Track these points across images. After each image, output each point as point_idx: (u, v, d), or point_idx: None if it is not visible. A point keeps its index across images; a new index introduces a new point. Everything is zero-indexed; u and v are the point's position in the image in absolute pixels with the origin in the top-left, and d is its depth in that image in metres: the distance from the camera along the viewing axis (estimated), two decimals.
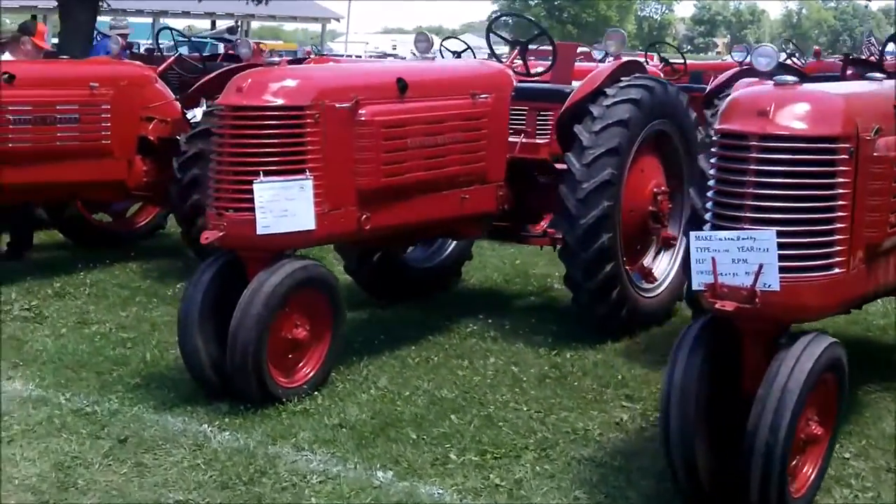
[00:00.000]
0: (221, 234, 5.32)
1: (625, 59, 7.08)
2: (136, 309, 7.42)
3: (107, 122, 8.19)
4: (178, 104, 8.78)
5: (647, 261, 7.14)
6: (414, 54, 7.56)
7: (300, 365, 5.59)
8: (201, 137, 8.11)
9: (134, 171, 8.51)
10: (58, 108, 7.91)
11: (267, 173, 5.30)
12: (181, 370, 5.95)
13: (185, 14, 39.79)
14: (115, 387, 5.78)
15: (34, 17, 13.66)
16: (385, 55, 40.71)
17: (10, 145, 7.68)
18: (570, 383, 5.98)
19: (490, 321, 7.12)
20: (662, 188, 7.01)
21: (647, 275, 7.07)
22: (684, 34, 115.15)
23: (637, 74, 6.91)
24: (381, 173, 5.80)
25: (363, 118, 5.69)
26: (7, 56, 8.77)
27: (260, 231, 5.29)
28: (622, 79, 6.82)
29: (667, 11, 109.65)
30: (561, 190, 6.52)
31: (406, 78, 5.97)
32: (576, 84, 7.45)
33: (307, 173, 5.39)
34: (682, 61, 13.72)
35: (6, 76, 7.67)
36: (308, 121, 5.41)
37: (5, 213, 8.62)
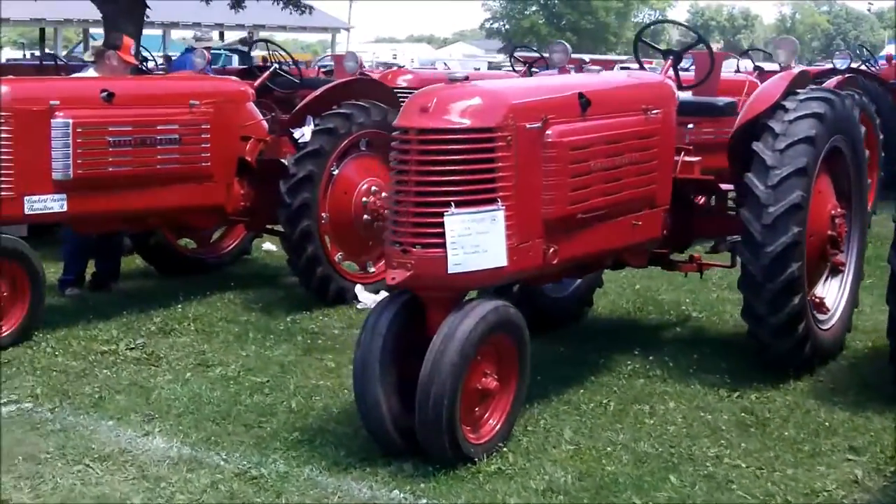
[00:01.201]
0: (409, 273, 4.68)
1: (796, 69, 6.48)
2: (255, 347, 6.78)
3: (206, 143, 7.57)
4: (265, 123, 8.17)
5: (818, 290, 6.53)
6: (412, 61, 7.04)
7: (486, 418, 4.97)
8: (311, 159, 7.51)
9: (232, 195, 7.89)
10: (158, 128, 7.29)
11: (457, 204, 4.68)
12: (342, 422, 5.37)
13: (196, 25, 38.94)
14: (272, 443, 5.14)
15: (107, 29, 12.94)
16: (391, 65, 40.15)
17: (111, 170, 7.05)
18: (774, 431, 5.36)
19: (650, 357, 6.50)
20: (838, 210, 6.41)
21: (820, 305, 6.46)
22: (678, 39, 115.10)
23: (812, 86, 6.32)
24: (568, 200, 5.18)
25: (550, 139, 5.07)
26: (91, 72, 8.15)
27: (451, 269, 4.67)
28: (797, 91, 6.22)
29: (661, 17, 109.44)
30: (743, 214, 5.91)
31: (587, 94, 5.36)
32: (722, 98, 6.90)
33: (499, 203, 4.77)
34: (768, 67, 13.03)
35: (105, 94, 7.04)
36: (500, 143, 4.79)
37: (93, 241, 8.01)
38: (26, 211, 6.70)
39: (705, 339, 7.09)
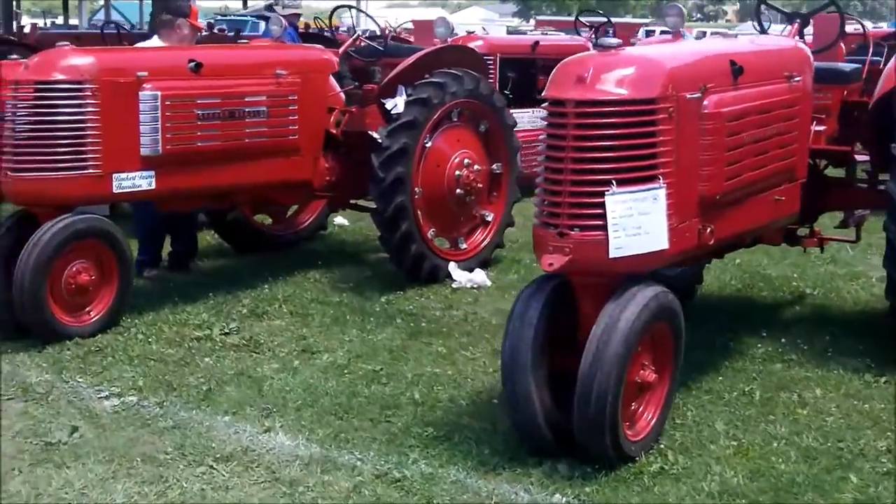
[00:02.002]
0: (567, 258, 4.29)
1: None
2: (356, 331, 6.42)
3: (294, 116, 7.17)
4: (342, 94, 7.77)
5: None
6: None
7: (641, 412, 4.60)
8: (405, 131, 7.11)
9: (318, 170, 7.50)
10: (246, 100, 6.89)
11: (618, 182, 4.28)
12: (476, 416, 5.03)
13: None
14: (405, 440, 4.78)
15: None
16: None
17: (199, 144, 6.67)
18: None
19: (781, 339, 6.11)
20: None
21: None
22: (694, 3, 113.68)
23: None
24: (724, 176, 4.78)
25: (707, 110, 4.66)
26: (156, 40, 7.75)
27: (613, 253, 4.28)
28: None
29: None
30: (889, 187, 5.50)
31: (738, 60, 4.94)
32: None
33: (660, 180, 4.37)
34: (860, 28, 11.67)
35: (193, 64, 6.64)
36: (661, 116, 4.38)
37: (167, 219, 7.64)
38: (115, 189, 6.33)
39: (830, 318, 6.70)
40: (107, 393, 5.41)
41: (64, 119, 6.12)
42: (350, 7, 8.01)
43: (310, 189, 7.54)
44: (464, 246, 7.70)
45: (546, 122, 4.43)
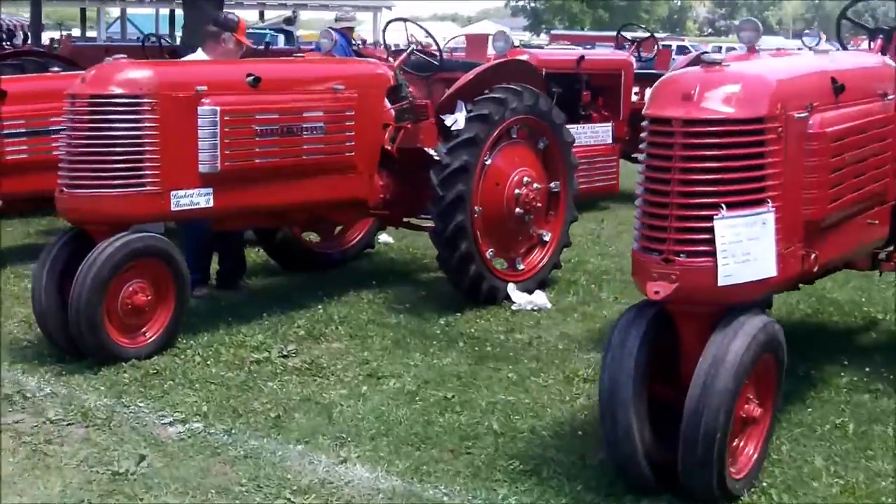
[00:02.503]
0: (673, 286, 4.08)
1: None
2: (419, 355, 6.21)
3: (351, 132, 6.97)
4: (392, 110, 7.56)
5: None
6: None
7: (742, 447, 4.37)
8: (466, 148, 6.91)
9: (373, 187, 7.29)
10: (304, 115, 6.70)
11: (727, 206, 4.06)
12: (561, 449, 4.82)
13: (238, 5, 38.28)
14: (491, 474, 4.56)
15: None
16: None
17: (257, 161, 6.47)
18: None
19: (864, 368, 5.87)
20: None
21: None
22: (705, 17, 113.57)
23: None
24: (828, 199, 4.57)
25: (812, 130, 4.45)
26: (200, 54, 7.55)
27: (722, 281, 4.06)
28: None
29: None
30: None
31: (837, 78, 4.73)
32: None
33: (769, 204, 4.16)
34: None
35: (251, 79, 6.45)
36: (770, 136, 4.17)
37: (214, 237, 7.45)
38: (173, 207, 6.13)
39: None
40: (170, 419, 5.21)
41: (121, 134, 5.93)
42: (405, 20, 7.80)
43: (365, 207, 7.34)
44: (521, 266, 7.49)
45: (647, 142, 4.22)
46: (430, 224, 7.80)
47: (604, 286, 7.84)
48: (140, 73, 6.01)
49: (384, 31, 8.38)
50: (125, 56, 6.21)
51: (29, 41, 16.60)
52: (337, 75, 6.97)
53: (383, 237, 9.30)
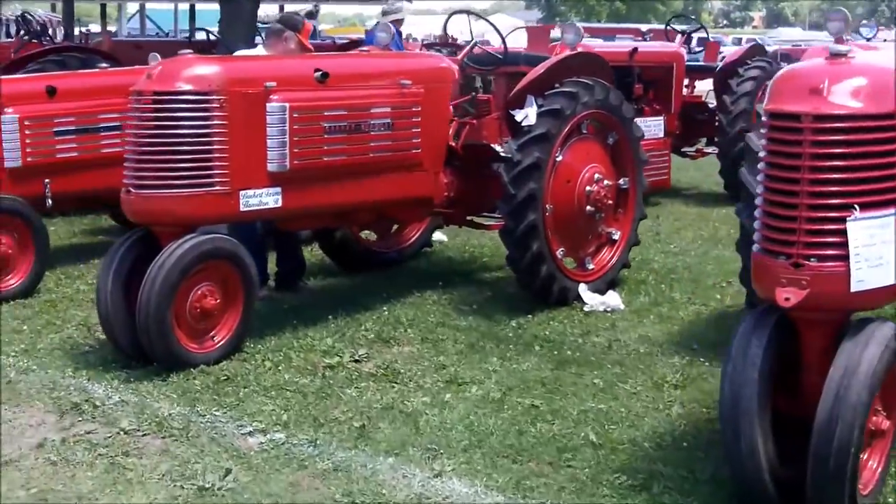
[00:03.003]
0: (804, 292, 3.83)
1: None
2: (497, 360, 5.98)
3: (417, 129, 6.74)
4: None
5: None
6: None
7: (866, 461, 4.13)
8: (537, 144, 6.68)
9: (438, 185, 7.06)
10: (372, 111, 6.47)
11: (860, 206, 3.82)
12: (668, 462, 4.58)
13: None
14: (597, 489, 4.34)
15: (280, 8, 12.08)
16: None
17: (326, 159, 6.25)
18: None
19: None
20: None
21: None
22: (720, 8, 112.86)
23: None
24: None
25: None
26: (260, 50, 7.33)
27: (854, 287, 3.82)
28: None
29: None
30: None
31: None
32: None
33: None
34: None
35: (319, 74, 6.22)
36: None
37: (275, 238, 7.25)
38: (242, 207, 5.91)
39: None
40: (250, 428, 5.00)
41: (190, 132, 5.71)
42: (469, 13, 7.56)
43: (430, 206, 7.12)
44: (591, 266, 7.25)
45: (769, 138, 3.98)
46: (492, 222, 7.62)
47: (674, 286, 7.60)
48: (208, 69, 5.79)
49: (446, 24, 8.14)
50: (192, 51, 5.99)
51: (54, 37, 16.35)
52: (404, 70, 6.74)
53: (437, 235, 9.07)
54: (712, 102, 11.95)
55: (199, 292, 5.76)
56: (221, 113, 5.75)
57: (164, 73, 5.74)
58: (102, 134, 8.14)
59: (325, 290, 7.55)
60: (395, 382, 5.63)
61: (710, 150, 11.87)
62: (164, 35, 24.22)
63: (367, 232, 8.20)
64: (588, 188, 6.98)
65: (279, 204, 6.07)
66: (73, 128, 7.98)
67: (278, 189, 6.05)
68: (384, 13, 10.55)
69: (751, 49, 11.68)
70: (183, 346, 5.71)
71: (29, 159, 7.72)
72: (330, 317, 6.74)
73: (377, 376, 5.72)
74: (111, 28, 38.80)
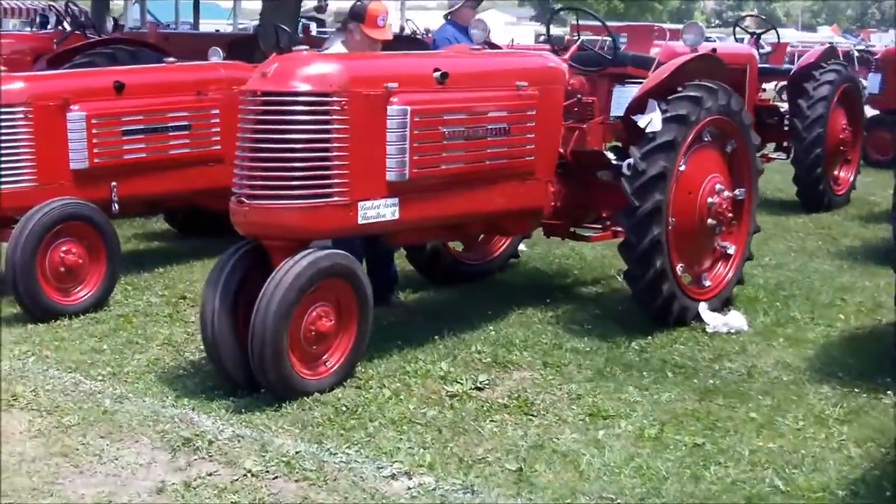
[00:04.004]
0: None
1: None
2: (633, 389, 5.49)
3: (531, 134, 6.23)
4: None
5: None
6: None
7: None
8: (663, 152, 6.19)
9: (548, 194, 6.55)
10: (489, 115, 5.96)
11: None
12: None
13: None
14: None
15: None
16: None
17: (443, 167, 5.73)
18: None
19: None
20: None
21: None
22: (713, 8, 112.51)
23: None
24: None
25: None
26: (339, 46, 6.80)
27: None
28: None
29: None
30: None
31: None
32: None
33: None
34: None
35: (439, 74, 5.70)
36: None
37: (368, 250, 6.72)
38: (360, 220, 5.40)
39: None
40: (391, 470, 4.49)
41: (309, 137, 5.19)
42: (577, 10, 7.04)
43: (540, 217, 6.62)
44: (707, 283, 6.76)
45: None
46: (590, 233, 7.15)
47: (790, 304, 7.11)
48: (328, 67, 5.27)
49: (549, 21, 7.62)
50: (308, 48, 5.47)
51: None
52: (520, 70, 6.23)
53: (521, 246, 8.55)
54: (782, 105, 11.48)
55: (314, 313, 5.24)
56: (342, 116, 5.23)
57: (279, 71, 5.22)
58: (171, 134, 7.61)
59: (420, 306, 7.04)
60: (532, 415, 5.13)
61: (775, 155, 11.39)
62: (165, 27, 23.60)
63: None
64: (710, 200, 6.50)
65: (396, 216, 5.56)
66: (141, 127, 7.44)
67: (395, 200, 5.53)
68: (451, 4, 9.65)
69: (825, 52, 11.19)
70: (297, 372, 5.20)
71: (96, 161, 7.19)
72: (434, 336, 6.23)
73: (510, 407, 5.22)
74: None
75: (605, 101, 7.15)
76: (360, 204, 5.37)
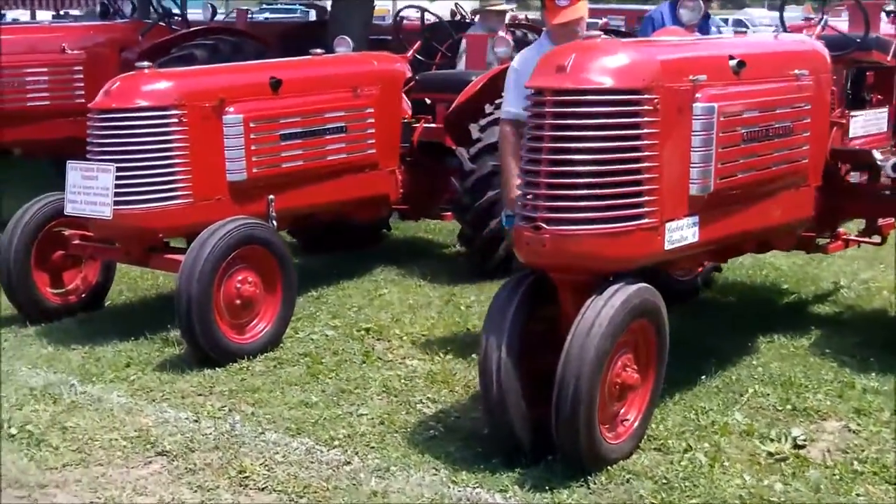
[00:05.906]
0: None
1: None
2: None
3: (808, 132, 5.23)
4: None
5: None
6: None
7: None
8: None
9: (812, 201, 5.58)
10: (777, 112, 4.96)
11: None
12: None
13: None
14: None
15: None
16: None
17: (740, 176, 4.72)
18: None
19: None
20: None
21: None
22: None
23: None
24: None
25: None
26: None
27: None
28: None
29: None
30: None
31: None
32: None
33: None
34: None
35: (735, 63, 4.70)
36: None
37: None
38: (666, 245, 4.39)
39: None
40: None
41: (616, 145, 4.17)
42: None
43: (802, 227, 5.63)
44: None
45: None
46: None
47: None
48: (634, 58, 4.25)
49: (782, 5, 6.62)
50: (601, 34, 4.44)
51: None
52: (797, 58, 5.25)
53: None
54: None
55: (620, 363, 4.24)
56: (653, 119, 4.21)
57: (577, 65, 4.18)
58: (328, 138, 6.56)
59: None
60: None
61: None
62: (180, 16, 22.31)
63: None
64: None
65: (696, 238, 4.56)
66: (298, 130, 6.38)
67: (696, 219, 4.54)
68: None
69: None
70: (604, 437, 4.20)
71: (255, 170, 6.13)
72: (703, 377, 5.25)
73: (865, 474, 4.25)
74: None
75: (840, 90, 6.19)
76: (668, 225, 4.37)
